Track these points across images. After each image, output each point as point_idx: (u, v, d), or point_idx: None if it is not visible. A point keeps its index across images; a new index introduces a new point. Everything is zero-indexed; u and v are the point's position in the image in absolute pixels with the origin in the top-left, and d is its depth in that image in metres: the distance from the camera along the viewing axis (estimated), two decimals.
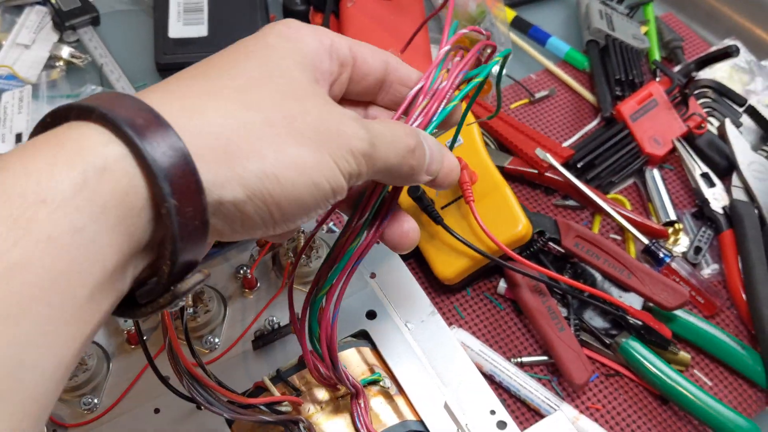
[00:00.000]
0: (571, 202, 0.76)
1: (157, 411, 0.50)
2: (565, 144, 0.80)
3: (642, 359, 0.64)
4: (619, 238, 0.75)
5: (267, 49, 0.34)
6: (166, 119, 0.27)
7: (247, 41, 0.35)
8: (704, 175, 0.75)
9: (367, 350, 0.53)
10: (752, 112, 0.81)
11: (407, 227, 0.41)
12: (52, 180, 0.25)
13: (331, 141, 0.32)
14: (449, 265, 0.68)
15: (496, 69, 0.44)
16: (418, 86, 0.41)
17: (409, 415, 0.50)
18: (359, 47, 0.39)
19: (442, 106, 0.40)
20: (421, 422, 0.50)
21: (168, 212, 0.26)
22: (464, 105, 0.44)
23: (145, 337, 0.53)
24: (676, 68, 0.84)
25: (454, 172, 0.41)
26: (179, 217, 0.26)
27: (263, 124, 0.30)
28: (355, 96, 0.41)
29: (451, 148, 0.46)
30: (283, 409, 0.47)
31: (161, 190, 0.26)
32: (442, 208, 0.69)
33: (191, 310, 0.53)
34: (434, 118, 0.40)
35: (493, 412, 0.51)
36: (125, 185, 0.26)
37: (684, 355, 0.67)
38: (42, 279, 0.24)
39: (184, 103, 0.29)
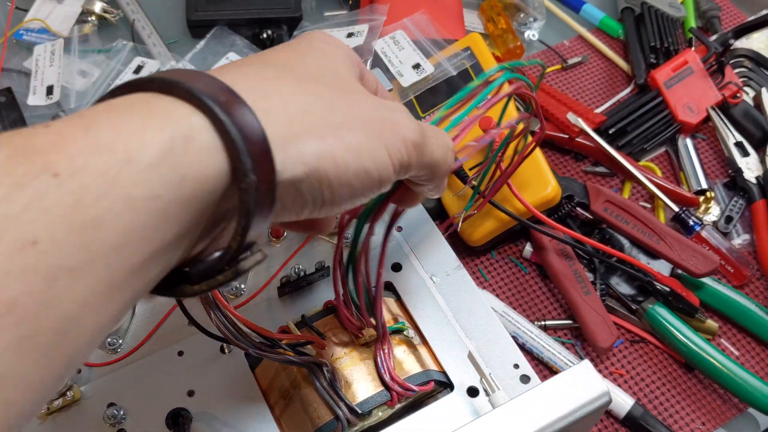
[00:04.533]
0: (601, 169, 0.75)
1: (180, 354, 0.51)
2: (597, 111, 0.79)
3: (668, 325, 0.63)
4: (648, 206, 0.74)
5: (320, 51, 0.36)
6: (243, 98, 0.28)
7: (296, 44, 0.37)
8: (738, 144, 0.74)
9: (391, 301, 0.53)
10: None
11: None
12: (141, 142, 0.25)
13: (385, 130, 0.33)
14: (476, 226, 0.67)
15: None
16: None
17: (432, 366, 0.50)
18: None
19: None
20: (444, 373, 0.50)
21: (247, 187, 0.26)
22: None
23: None
24: (713, 37, 0.82)
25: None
26: (256, 193, 0.26)
27: (324, 109, 0.32)
28: None
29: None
30: (308, 352, 0.47)
31: (243, 165, 0.26)
32: (471, 169, 0.68)
33: None
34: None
35: (516, 366, 0.50)
36: (206, 157, 0.26)
37: (711, 323, 0.66)
38: (111, 239, 0.24)
39: (255, 85, 0.30)
